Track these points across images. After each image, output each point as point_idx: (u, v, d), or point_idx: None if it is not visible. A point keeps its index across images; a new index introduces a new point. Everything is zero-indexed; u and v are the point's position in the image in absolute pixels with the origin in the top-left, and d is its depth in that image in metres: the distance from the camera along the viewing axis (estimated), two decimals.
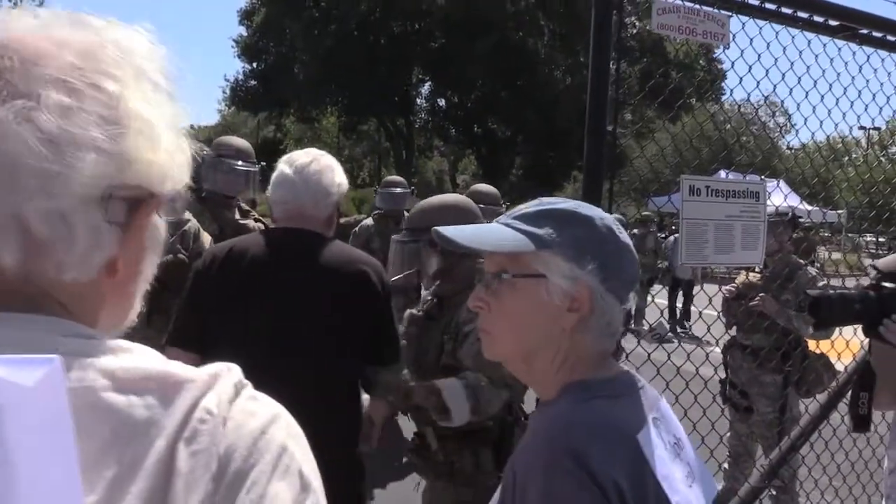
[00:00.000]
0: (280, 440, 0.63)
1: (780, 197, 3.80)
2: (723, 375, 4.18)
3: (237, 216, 3.79)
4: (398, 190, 5.70)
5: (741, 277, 4.25)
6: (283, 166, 2.32)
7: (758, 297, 3.94)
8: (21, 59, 0.60)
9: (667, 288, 11.01)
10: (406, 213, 5.40)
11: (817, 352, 3.87)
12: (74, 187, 0.59)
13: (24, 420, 0.47)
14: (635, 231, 10.12)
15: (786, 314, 3.88)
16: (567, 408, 1.15)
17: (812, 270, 4.11)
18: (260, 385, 0.68)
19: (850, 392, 2.26)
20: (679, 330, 10.48)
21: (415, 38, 29.62)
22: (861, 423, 2.18)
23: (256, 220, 3.87)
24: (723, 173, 5.83)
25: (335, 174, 2.32)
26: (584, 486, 0.99)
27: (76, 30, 0.66)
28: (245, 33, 33.45)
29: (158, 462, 0.56)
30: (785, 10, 2.69)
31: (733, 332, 4.24)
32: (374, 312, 2.23)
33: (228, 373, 0.65)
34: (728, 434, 4.06)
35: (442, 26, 28.24)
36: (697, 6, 2.52)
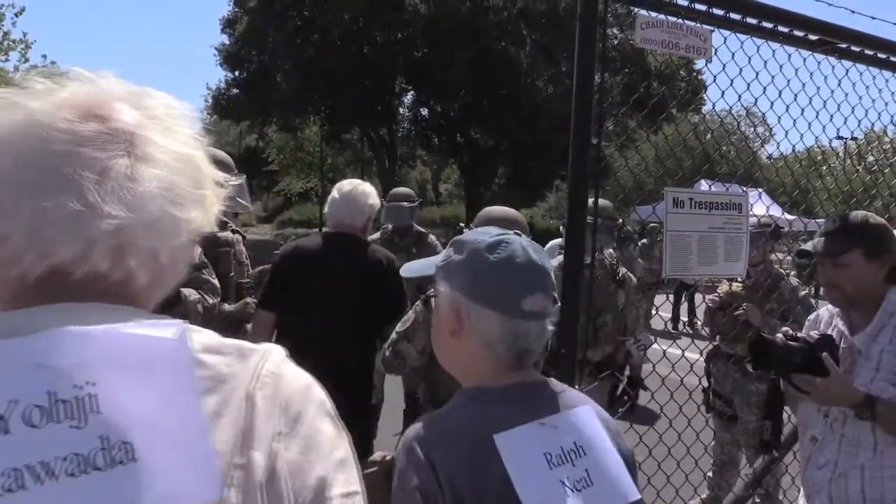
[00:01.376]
0: (320, 396, 0.85)
1: (762, 207, 3.84)
2: (706, 385, 4.21)
3: (215, 228, 3.76)
4: (406, 204, 5.40)
5: (724, 287, 4.28)
6: (334, 191, 3.48)
7: (742, 307, 3.97)
8: (135, 124, 0.79)
9: (670, 295, 11.25)
10: (413, 228, 5.32)
11: None
12: (186, 233, 0.81)
13: (166, 363, 0.71)
14: (644, 241, 10.16)
15: (770, 323, 3.91)
16: (445, 408, 1.37)
17: (794, 280, 4.15)
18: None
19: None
20: (687, 329, 10.58)
21: (398, 48, 29.67)
22: (767, 447, 2.42)
23: (234, 232, 3.84)
24: (704, 183, 5.88)
25: (368, 197, 3.45)
26: (420, 467, 1.21)
27: (139, 98, 0.84)
28: (227, 42, 33.35)
29: (243, 401, 0.75)
30: (766, 24, 2.73)
31: (716, 341, 4.27)
32: (385, 283, 3.31)
33: (276, 349, 0.85)
34: (712, 443, 4.09)
35: (424, 36, 28.31)
36: (680, 21, 2.55)
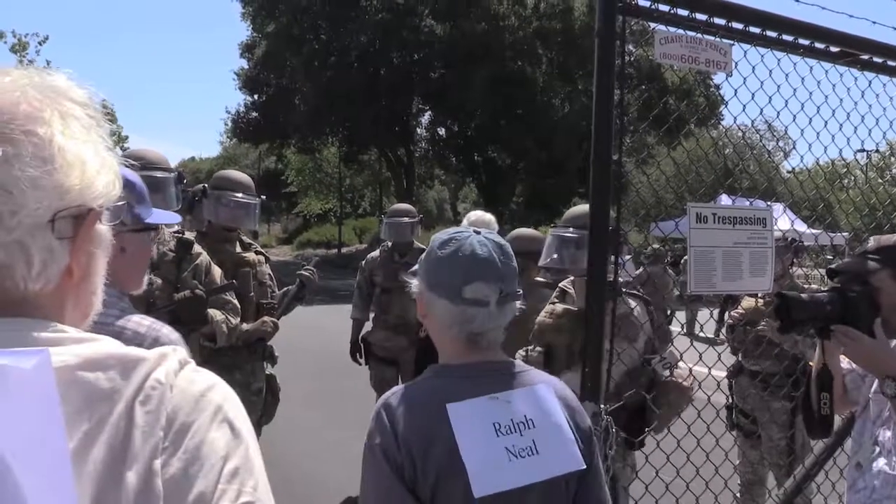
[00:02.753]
0: (216, 401, 0.81)
1: (786, 222, 3.80)
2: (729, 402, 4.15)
3: (238, 249, 3.79)
4: (406, 220, 5.22)
5: (747, 303, 4.23)
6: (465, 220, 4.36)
7: (763, 323, 3.92)
8: None
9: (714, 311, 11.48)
10: (414, 244, 5.17)
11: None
12: (25, 220, 0.75)
13: (26, 393, 0.66)
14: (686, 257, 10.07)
15: (791, 338, 3.86)
16: (415, 380, 1.62)
17: None
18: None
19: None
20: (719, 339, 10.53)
21: (414, 69, 29.86)
22: (822, 424, 2.17)
23: (258, 253, 3.86)
24: (724, 198, 5.83)
25: (492, 223, 4.37)
26: (384, 430, 1.45)
27: (6, 84, 0.80)
28: (246, 66, 33.76)
29: (120, 418, 0.73)
30: (786, 37, 2.71)
31: (739, 357, 4.21)
32: None
33: (174, 353, 0.82)
34: (738, 462, 4.02)
35: (441, 57, 28.49)
36: (699, 35, 2.54)
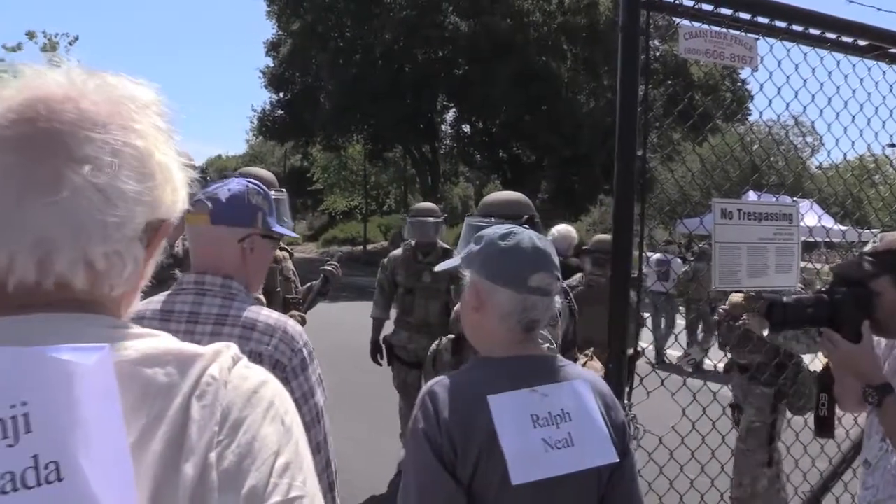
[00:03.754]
0: (268, 397, 0.83)
1: (813, 218, 3.77)
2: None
3: None
4: (430, 219, 5.14)
5: (734, 298, 4.25)
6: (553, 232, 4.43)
7: (744, 318, 3.94)
8: (69, 123, 0.76)
9: None
10: (438, 244, 5.15)
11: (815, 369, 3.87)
12: (127, 232, 0.79)
13: (88, 387, 0.69)
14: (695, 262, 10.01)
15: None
16: (457, 371, 1.71)
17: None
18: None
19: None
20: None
21: (439, 66, 29.80)
22: (822, 426, 2.14)
23: (281, 249, 3.91)
24: (752, 194, 5.78)
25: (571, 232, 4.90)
26: (427, 415, 1.52)
27: (102, 88, 0.81)
28: (272, 64, 33.95)
29: (177, 413, 0.75)
30: (813, 31, 2.69)
31: (727, 352, 4.26)
32: None
33: (228, 349, 0.84)
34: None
35: (465, 53, 28.43)
36: (724, 30, 2.53)
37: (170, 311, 1.79)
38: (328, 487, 1.80)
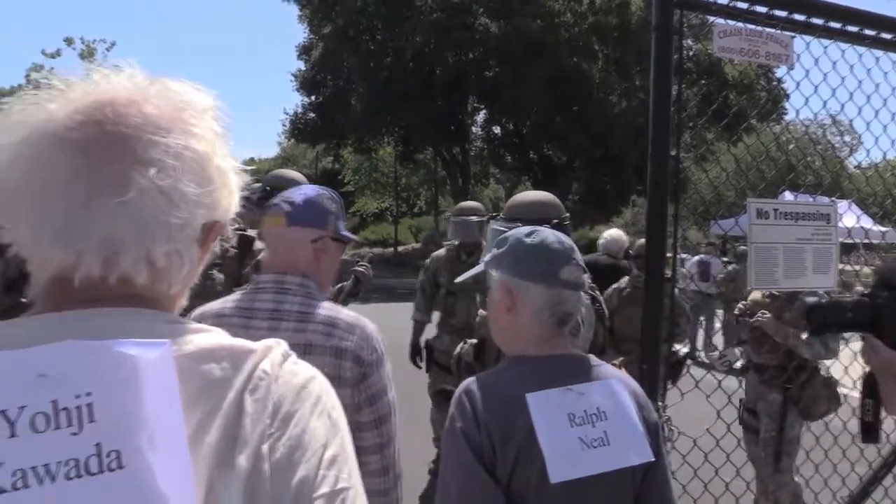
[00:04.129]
0: (316, 392, 0.86)
1: (852, 218, 3.71)
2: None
3: None
4: (473, 218, 4.95)
5: (753, 296, 4.19)
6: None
7: (758, 315, 3.91)
8: (134, 127, 0.79)
9: None
10: (482, 244, 4.88)
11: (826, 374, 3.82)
12: (188, 232, 0.82)
13: (150, 381, 0.72)
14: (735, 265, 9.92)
15: (783, 332, 3.83)
16: (492, 370, 1.76)
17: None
18: None
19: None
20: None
21: (469, 68, 29.81)
22: (868, 431, 2.09)
23: None
24: (788, 194, 5.69)
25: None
26: (465, 414, 1.52)
27: (163, 93, 0.84)
28: (304, 67, 34.25)
29: (231, 406, 0.77)
30: (851, 28, 2.64)
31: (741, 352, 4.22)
32: None
33: (278, 345, 0.87)
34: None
35: (496, 55, 28.39)
36: (759, 28, 2.50)
37: (251, 308, 1.88)
38: (395, 477, 1.91)
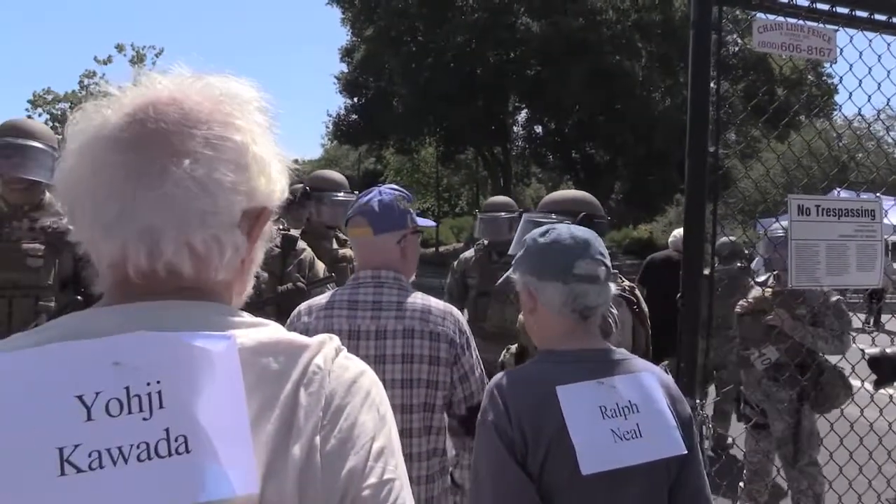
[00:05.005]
0: (366, 387, 0.89)
1: None
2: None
3: (334, 246, 3.94)
4: (503, 215, 4.59)
5: (755, 293, 4.12)
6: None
7: (772, 313, 3.86)
8: (174, 122, 0.83)
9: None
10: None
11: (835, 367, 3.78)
12: (224, 219, 0.85)
13: (216, 371, 0.77)
14: None
15: (801, 329, 3.79)
16: (524, 365, 1.77)
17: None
18: None
19: None
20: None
21: (511, 67, 29.76)
22: None
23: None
24: (839, 192, 5.56)
25: None
26: (497, 407, 1.54)
27: (203, 91, 0.89)
28: (346, 70, 34.58)
29: (287, 398, 0.81)
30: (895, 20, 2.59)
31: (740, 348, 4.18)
32: None
33: (331, 341, 0.90)
34: (746, 451, 4.04)
35: (538, 54, 28.28)
36: (801, 22, 2.46)
37: (354, 301, 2.14)
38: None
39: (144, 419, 0.73)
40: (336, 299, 2.16)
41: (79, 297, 2.74)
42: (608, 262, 1.70)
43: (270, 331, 0.87)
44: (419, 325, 2.08)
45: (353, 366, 0.91)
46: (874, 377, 2.11)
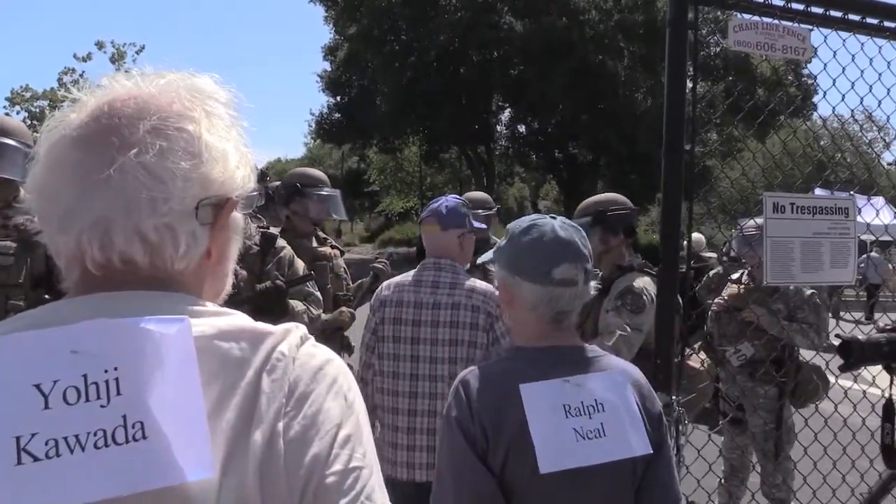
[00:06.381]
0: (332, 374, 0.88)
1: (889, 215, 3.69)
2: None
3: (314, 244, 3.92)
4: (481, 212, 4.41)
5: (729, 290, 4.17)
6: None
7: (747, 310, 3.91)
8: (127, 117, 0.85)
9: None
10: (490, 241, 4.42)
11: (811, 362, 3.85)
12: (175, 206, 0.84)
13: (170, 355, 0.77)
14: None
15: (778, 324, 3.84)
16: (493, 361, 1.83)
17: None
18: None
19: None
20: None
21: (494, 66, 29.78)
22: (890, 455, 2.25)
23: (332, 248, 3.99)
24: (819, 192, 5.63)
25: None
26: (460, 404, 1.55)
27: (161, 86, 0.90)
28: (329, 68, 34.46)
29: (249, 385, 0.81)
30: (870, 20, 2.62)
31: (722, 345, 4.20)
32: None
33: (297, 329, 0.90)
34: (723, 447, 4.07)
35: (521, 53, 28.33)
36: (776, 21, 2.48)
37: (419, 280, 2.84)
38: None
39: (102, 406, 0.74)
40: (406, 279, 2.87)
41: (47, 297, 2.70)
42: (589, 264, 1.67)
43: (234, 319, 0.87)
44: (465, 300, 2.73)
45: (320, 353, 0.90)
46: (840, 362, 2.17)
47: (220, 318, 0.86)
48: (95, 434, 0.73)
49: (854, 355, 2.11)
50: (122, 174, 0.82)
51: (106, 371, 0.75)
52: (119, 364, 0.75)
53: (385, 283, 2.95)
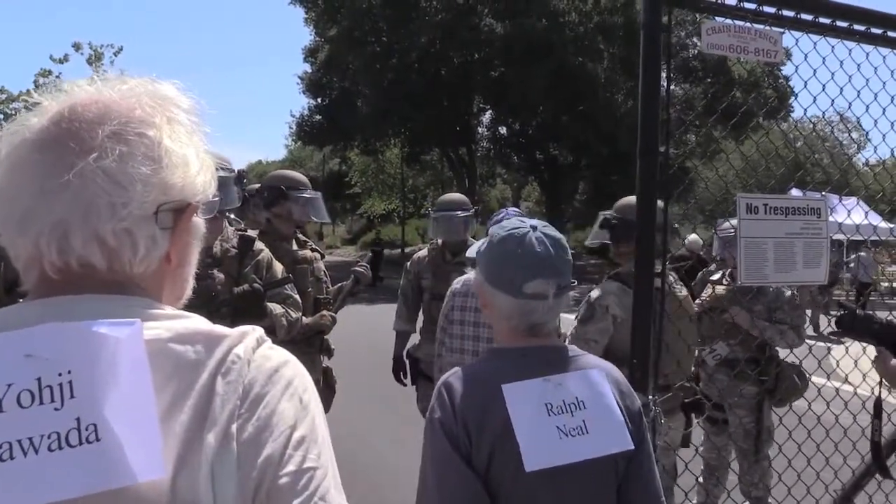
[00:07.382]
0: (288, 376, 0.89)
1: (860, 215, 3.75)
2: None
3: (294, 247, 3.91)
4: (459, 214, 4.41)
5: (709, 291, 4.22)
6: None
7: (729, 311, 3.95)
8: (88, 122, 0.86)
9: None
10: (468, 243, 4.26)
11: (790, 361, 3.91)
12: (135, 210, 0.85)
13: (121, 358, 0.78)
14: None
15: (759, 325, 3.90)
16: (474, 362, 1.87)
17: None
18: None
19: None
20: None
21: (475, 68, 29.82)
22: (874, 449, 2.35)
23: (313, 251, 3.99)
24: (796, 192, 5.69)
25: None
26: (444, 405, 1.57)
27: (124, 91, 0.91)
28: (310, 70, 34.35)
29: (203, 387, 0.82)
30: (840, 23, 2.66)
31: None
32: None
33: (253, 331, 0.91)
34: (702, 446, 4.10)
35: (501, 55, 28.39)
36: (748, 24, 2.51)
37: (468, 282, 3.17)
38: None
39: (56, 409, 0.74)
40: (466, 277, 3.42)
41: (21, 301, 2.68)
42: (565, 278, 1.67)
43: (190, 322, 0.88)
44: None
45: (276, 356, 0.91)
46: (836, 323, 2.29)
47: (176, 322, 0.87)
48: (49, 437, 0.73)
49: (845, 322, 2.23)
50: (81, 178, 0.82)
51: (60, 374, 0.75)
52: (73, 367, 0.76)
53: (457, 279, 3.55)
